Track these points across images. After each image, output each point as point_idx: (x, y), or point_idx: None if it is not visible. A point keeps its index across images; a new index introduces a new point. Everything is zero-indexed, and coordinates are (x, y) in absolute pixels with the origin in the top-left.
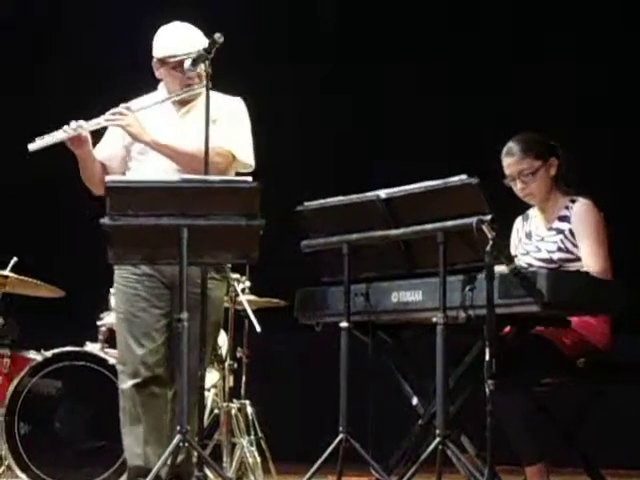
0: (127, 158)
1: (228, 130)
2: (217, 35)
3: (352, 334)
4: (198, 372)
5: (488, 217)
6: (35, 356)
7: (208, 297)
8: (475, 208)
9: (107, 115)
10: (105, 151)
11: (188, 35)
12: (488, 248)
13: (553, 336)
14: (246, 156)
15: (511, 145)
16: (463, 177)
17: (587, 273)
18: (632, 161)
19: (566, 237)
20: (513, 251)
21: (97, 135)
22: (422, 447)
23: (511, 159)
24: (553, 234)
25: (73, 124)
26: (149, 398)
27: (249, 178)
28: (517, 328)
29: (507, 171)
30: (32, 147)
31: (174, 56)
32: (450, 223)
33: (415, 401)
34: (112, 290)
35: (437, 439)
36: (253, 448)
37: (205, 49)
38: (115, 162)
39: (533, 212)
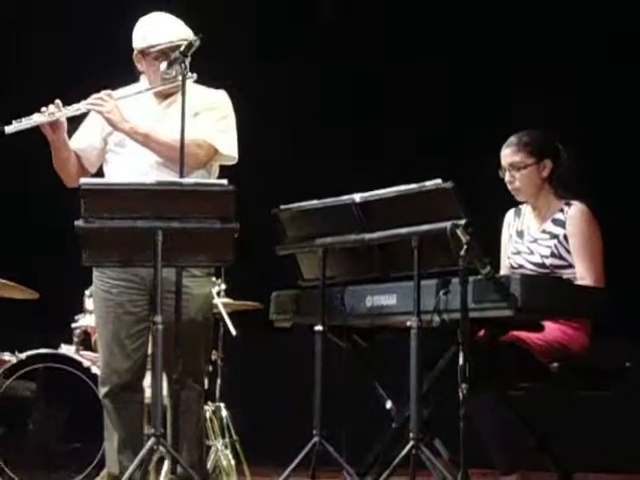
0: (104, 150)
1: (209, 123)
2: (194, 38)
3: (327, 337)
4: (174, 375)
5: (462, 222)
6: (9, 358)
7: (191, 296)
8: (450, 212)
9: (87, 101)
10: (81, 141)
11: (168, 24)
12: (462, 252)
13: (528, 341)
14: (228, 148)
15: (512, 137)
16: (438, 181)
17: (560, 277)
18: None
19: (560, 242)
20: (503, 246)
21: (75, 125)
22: (396, 451)
23: (507, 150)
24: (547, 238)
25: (51, 106)
26: (120, 405)
27: (224, 181)
28: (490, 332)
29: (502, 162)
30: (8, 129)
31: (155, 46)
32: (424, 227)
33: (389, 405)
34: (87, 292)
35: (410, 443)
36: (227, 451)
37: (181, 52)
38: (92, 154)
39: (526, 208)
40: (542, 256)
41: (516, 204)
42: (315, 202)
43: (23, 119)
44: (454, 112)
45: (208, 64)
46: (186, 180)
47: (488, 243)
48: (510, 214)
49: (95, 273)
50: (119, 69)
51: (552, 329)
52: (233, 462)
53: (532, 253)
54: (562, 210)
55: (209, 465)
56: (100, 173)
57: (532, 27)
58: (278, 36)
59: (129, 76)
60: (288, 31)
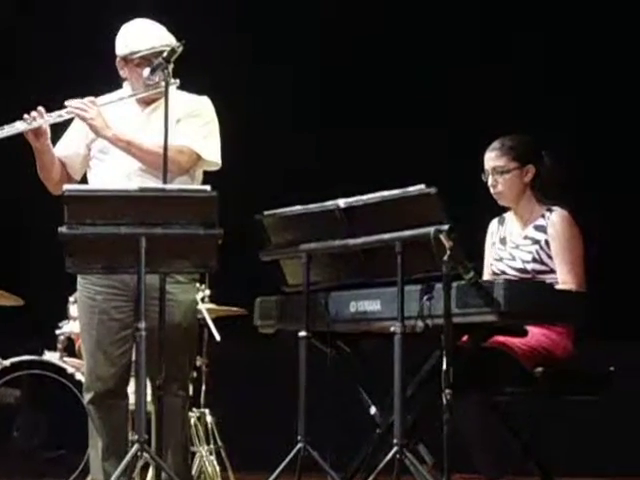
0: (88, 157)
1: (192, 129)
2: (176, 44)
3: (311, 343)
4: (157, 380)
5: (446, 227)
6: None
7: (175, 302)
8: (433, 218)
9: (70, 107)
10: (66, 148)
11: (151, 30)
12: (445, 258)
13: (512, 346)
14: (211, 154)
15: (496, 141)
16: (421, 187)
17: (544, 282)
18: (596, 162)
19: (541, 248)
20: (487, 254)
21: (59, 132)
22: (380, 456)
23: (490, 154)
24: (528, 243)
25: (34, 113)
26: (105, 411)
27: (207, 187)
28: (474, 337)
29: (485, 165)
30: None
31: (137, 52)
32: (408, 233)
33: (373, 410)
34: (71, 299)
35: (394, 448)
36: (212, 457)
37: (164, 58)
38: (76, 161)
39: (509, 216)
40: (524, 261)
41: (499, 210)
42: (299, 207)
43: (5, 126)
44: (445, 114)
45: (191, 69)
46: (169, 186)
47: (471, 248)
48: (494, 222)
49: (79, 279)
50: (102, 75)
51: (535, 334)
52: (218, 468)
53: (514, 259)
54: (544, 216)
55: (194, 471)
56: (85, 180)
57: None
58: (272, 40)
59: (112, 82)
60: (282, 35)
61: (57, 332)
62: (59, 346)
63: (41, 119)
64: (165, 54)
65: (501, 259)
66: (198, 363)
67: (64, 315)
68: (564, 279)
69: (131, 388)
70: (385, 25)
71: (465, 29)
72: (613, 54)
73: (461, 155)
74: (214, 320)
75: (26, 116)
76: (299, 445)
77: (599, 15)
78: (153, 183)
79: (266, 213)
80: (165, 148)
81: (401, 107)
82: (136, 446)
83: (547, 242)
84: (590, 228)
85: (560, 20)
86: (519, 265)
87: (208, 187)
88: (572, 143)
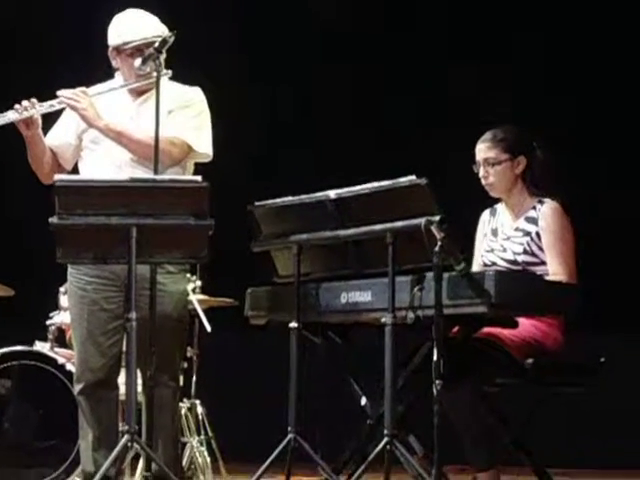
0: (80, 147)
1: (183, 120)
2: (168, 34)
3: (302, 334)
4: (147, 372)
5: (437, 218)
6: None
7: (166, 292)
8: (424, 209)
9: (62, 97)
10: (57, 138)
11: (143, 21)
12: (436, 249)
13: (502, 337)
14: (202, 146)
15: (488, 133)
16: (412, 177)
17: (534, 274)
18: (591, 159)
19: (532, 240)
20: (478, 245)
21: (49, 121)
22: (371, 447)
23: (482, 145)
24: (520, 235)
25: (25, 103)
26: (95, 402)
27: (198, 177)
28: (465, 328)
29: (477, 157)
30: None
31: (129, 42)
32: (399, 224)
33: (364, 401)
34: (62, 289)
35: (385, 439)
36: (203, 448)
37: (155, 48)
38: (67, 151)
39: (501, 207)
40: (515, 253)
41: (491, 201)
42: (290, 198)
43: None
44: (445, 113)
45: (184, 59)
46: (160, 177)
47: (463, 239)
48: (486, 213)
49: (70, 270)
50: (94, 66)
51: (526, 325)
52: (208, 459)
53: (505, 250)
54: (535, 208)
55: (184, 462)
56: (76, 170)
57: None
58: (263, 29)
59: (105, 72)
60: (273, 26)
61: (48, 322)
62: (50, 337)
63: (32, 109)
64: (157, 44)
65: (492, 250)
66: (189, 354)
67: (55, 305)
68: (555, 270)
69: (122, 379)
70: (385, 24)
71: (465, 29)
72: (613, 54)
73: (461, 154)
74: (205, 311)
75: (17, 106)
76: (290, 436)
77: (599, 15)
78: (144, 174)
79: (257, 204)
80: (156, 139)
81: (401, 107)
82: (126, 437)
83: (538, 234)
84: (582, 221)
85: (560, 20)
86: (510, 257)
87: (199, 178)
88: (572, 143)
